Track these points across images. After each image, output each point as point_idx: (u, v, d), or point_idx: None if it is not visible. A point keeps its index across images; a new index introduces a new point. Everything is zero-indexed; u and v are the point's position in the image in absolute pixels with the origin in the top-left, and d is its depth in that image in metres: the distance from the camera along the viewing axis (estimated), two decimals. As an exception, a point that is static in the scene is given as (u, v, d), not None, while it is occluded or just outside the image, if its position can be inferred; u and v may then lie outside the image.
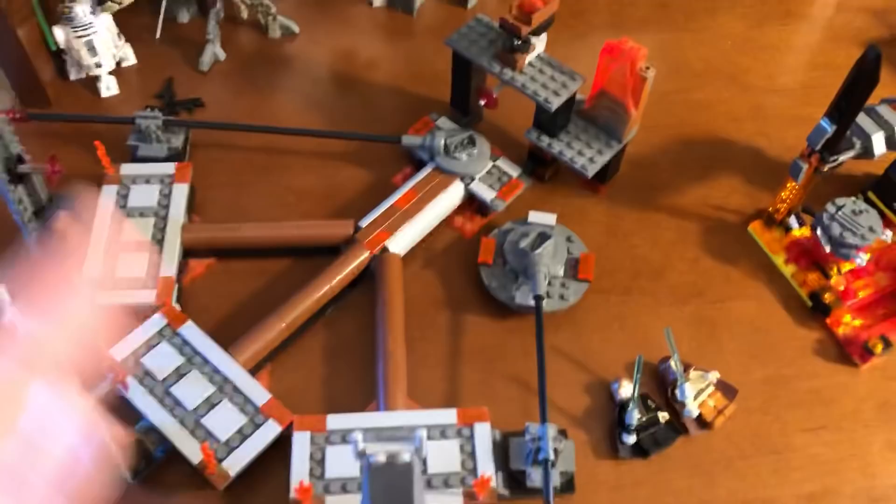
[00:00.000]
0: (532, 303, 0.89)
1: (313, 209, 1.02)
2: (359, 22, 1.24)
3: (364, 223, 0.96)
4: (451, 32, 1.01)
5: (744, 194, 1.06)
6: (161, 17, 1.17)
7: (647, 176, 1.07)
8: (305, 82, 1.17)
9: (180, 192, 0.97)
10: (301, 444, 0.80)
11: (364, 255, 0.94)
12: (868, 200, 1.03)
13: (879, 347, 0.90)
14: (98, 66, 1.09)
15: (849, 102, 0.87)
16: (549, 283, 0.93)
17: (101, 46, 1.08)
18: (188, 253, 0.96)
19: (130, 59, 1.15)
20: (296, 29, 1.21)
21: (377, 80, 1.17)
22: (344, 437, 0.80)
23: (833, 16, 1.29)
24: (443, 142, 1.01)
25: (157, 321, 0.87)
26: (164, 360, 0.85)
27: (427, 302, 0.95)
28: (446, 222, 1.01)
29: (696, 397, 0.86)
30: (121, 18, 1.12)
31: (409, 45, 1.22)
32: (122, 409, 0.80)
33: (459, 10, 1.26)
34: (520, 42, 0.93)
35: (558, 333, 0.93)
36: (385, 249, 0.95)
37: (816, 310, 0.95)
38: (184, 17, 1.21)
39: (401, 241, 0.96)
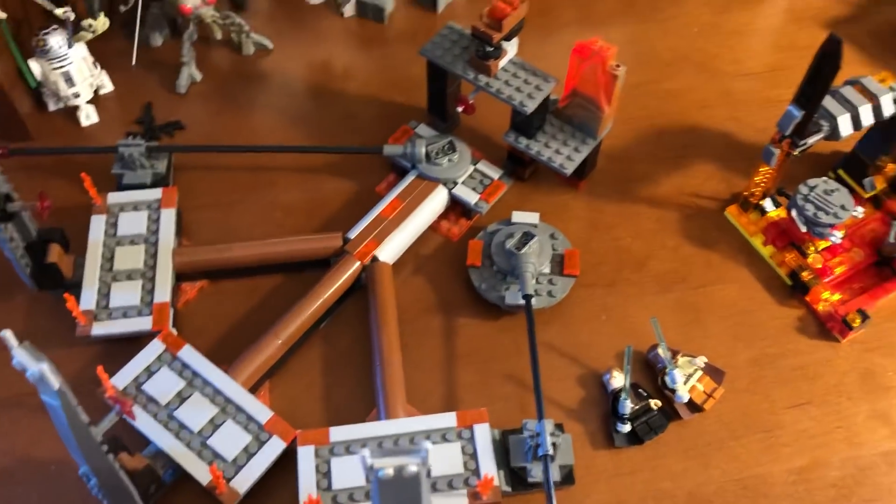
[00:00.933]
0: (522, 302, 0.92)
1: (301, 224, 1.04)
2: (331, 33, 1.26)
3: (352, 234, 0.98)
4: (422, 38, 1.03)
5: (719, 179, 1.09)
6: (135, 42, 1.17)
7: (624, 169, 1.10)
8: (283, 97, 1.18)
9: (168, 217, 0.98)
10: (306, 458, 0.81)
11: (355, 266, 0.95)
12: (839, 178, 1.06)
13: (858, 321, 0.94)
14: (76, 95, 1.10)
15: (814, 88, 0.89)
16: (537, 281, 0.95)
17: (78, 76, 1.09)
18: (180, 276, 0.97)
19: (108, 87, 1.16)
20: (269, 45, 1.22)
21: (354, 91, 1.19)
22: (348, 448, 0.82)
23: (794, -3, 1.32)
24: (423, 149, 1.02)
25: (156, 347, 0.88)
26: (165, 385, 0.86)
27: (419, 308, 0.97)
28: (432, 227, 1.03)
29: (685, 382, 0.89)
30: (95, 46, 1.12)
31: (382, 54, 1.24)
32: (129, 435, 0.82)
33: (429, 16, 1.27)
34: (492, 48, 0.95)
35: (548, 329, 0.95)
36: (375, 259, 0.96)
37: (796, 288, 0.98)
38: (157, 40, 1.21)
39: (389, 250, 0.98)
